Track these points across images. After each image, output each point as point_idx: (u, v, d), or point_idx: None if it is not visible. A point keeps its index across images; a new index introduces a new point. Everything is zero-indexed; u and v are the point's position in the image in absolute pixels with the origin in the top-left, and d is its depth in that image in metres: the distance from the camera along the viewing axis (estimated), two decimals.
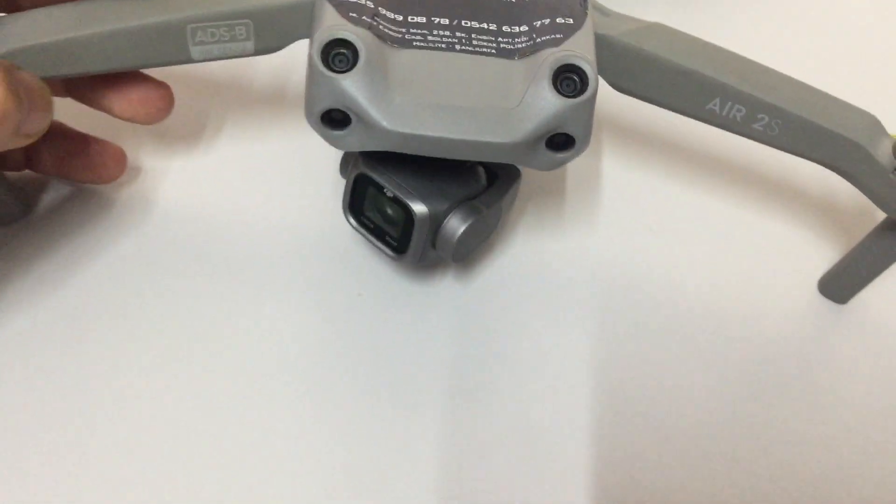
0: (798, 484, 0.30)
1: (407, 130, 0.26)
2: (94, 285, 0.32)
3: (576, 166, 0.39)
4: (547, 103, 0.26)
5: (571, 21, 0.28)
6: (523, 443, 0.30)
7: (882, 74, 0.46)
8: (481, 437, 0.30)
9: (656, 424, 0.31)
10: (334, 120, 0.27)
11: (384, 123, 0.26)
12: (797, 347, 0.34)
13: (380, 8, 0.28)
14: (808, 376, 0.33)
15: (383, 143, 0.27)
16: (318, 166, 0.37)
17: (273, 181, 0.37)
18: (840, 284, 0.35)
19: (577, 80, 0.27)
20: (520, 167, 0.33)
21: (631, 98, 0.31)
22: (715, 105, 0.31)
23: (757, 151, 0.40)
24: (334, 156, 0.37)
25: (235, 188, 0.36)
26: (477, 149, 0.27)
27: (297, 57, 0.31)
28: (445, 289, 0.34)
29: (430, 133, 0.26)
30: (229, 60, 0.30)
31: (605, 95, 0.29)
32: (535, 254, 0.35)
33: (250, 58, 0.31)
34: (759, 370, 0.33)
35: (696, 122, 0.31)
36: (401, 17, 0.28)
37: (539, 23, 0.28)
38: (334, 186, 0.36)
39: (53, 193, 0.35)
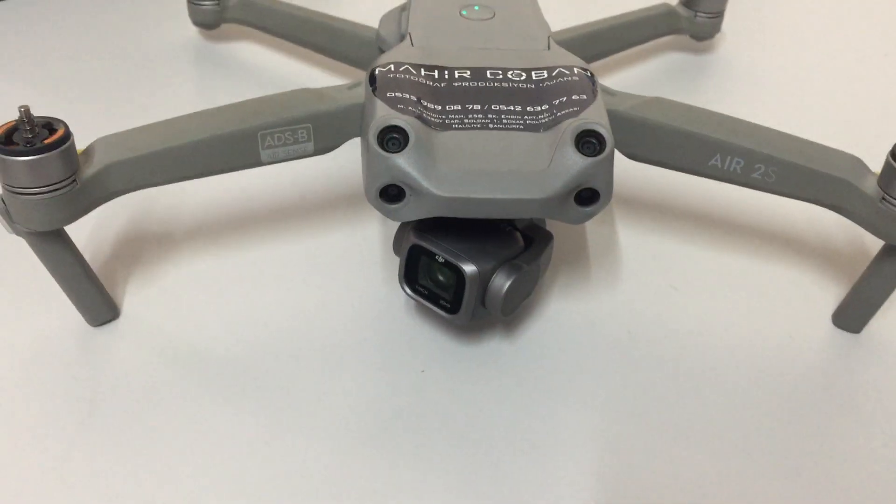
0: None
1: (455, 195, 0.31)
2: (181, 378, 0.36)
3: (594, 236, 0.43)
4: (572, 163, 0.31)
5: (585, 97, 0.33)
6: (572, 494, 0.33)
7: (858, 123, 0.52)
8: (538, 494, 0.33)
9: (690, 463, 0.34)
10: (390, 195, 0.32)
11: (434, 191, 0.31)
12: (821, 378, 0.37)
13: (421, 100, 0.33)
14: (834, 403, 0.36)
15: (434, 209, 0.31)
16: (367, 258, 0.41)
17: (328, 273, 0.41)
18: (852, 314, 0.38)
19: (596, 142, 0.31)
20: (552, 233, 0.37)
21: (635, 174, 0.36)
22: (716, 160, 0.35)
23: (757, 208, 0.44)
24: (380, 248, 0.42)
25: (293, 284, 0.40)
26: (516, 206, 0.31)
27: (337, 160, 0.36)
28: (494, 349, 0.37)
29: (474, 195, 0.31)
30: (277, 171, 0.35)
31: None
32: (570, 315, 0.39)
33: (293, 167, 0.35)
34: (788, 405, 0.36)
35: (698, 190, 0.36)
36: (439, 107, 0.33)
37: (558, 101, 0.33)
38: (384, 272, 0.41)
39: (141, 297, 0.39)
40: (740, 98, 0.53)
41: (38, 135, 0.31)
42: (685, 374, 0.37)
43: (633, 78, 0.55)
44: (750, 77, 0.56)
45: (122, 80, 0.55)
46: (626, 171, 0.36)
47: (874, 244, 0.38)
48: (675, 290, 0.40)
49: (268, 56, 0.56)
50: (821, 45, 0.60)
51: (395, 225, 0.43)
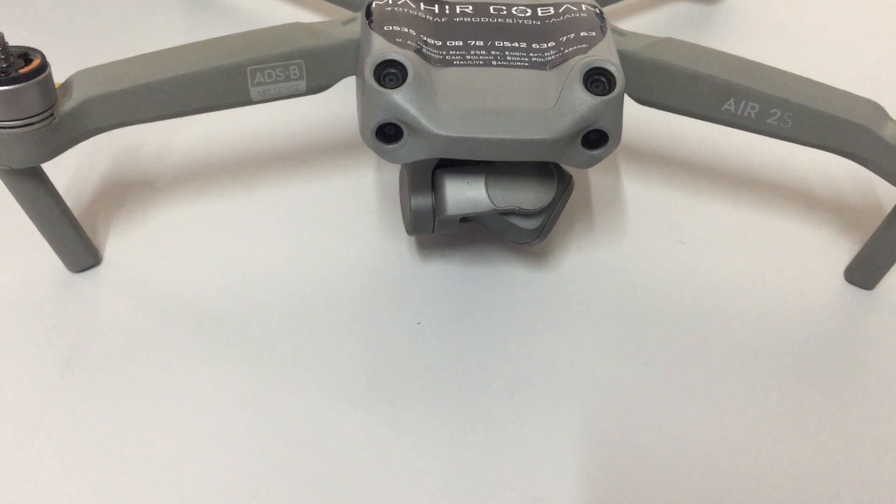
0: (841, 472, 0.31)
1: (455, 134, 0.29)
2: (166, 327, 0.34)
3: (598, 187, 0.41)
4: (580, 102, 0.29)
5: (594, 34, 0.31)
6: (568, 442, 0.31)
7: (875, 73, 0.50)
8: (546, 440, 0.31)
9: (695, 419, 0.32)
10: (387, 134, 0.30)
11: (434, 129, 0.29)
12: (833, 335, 0.35)
13: (421, 35, 0.31)
14: (846, 360, 0.34)
15: (433, 149, 0.29)
16: (361, 206, 0.40)
17: (320, 222, 0.39)
18: (866, 270, 0.37)
19: (605, 80, 0.30)
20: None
21: (641, 123, 0.34)
22: (730, 105, 0.33)
23: (767, 161, 0.43)
24: (374, 196, 0.40)
25: (284, 233, 0.39)
26: (521, 147, 0.29)
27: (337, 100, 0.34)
28: (492, 301, 0.36)
29: (476, 135, 0.29)
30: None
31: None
32: (573, 267, 0.37)
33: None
34: (799, 363, 0.34)
35: (707, 141, 0.34)
36: (440, 42, 0.31)
37: (565, 38, 0.31)
38: (379, 221, 0.39)
39: (124, 243, 0.37)
40: (752, 49, 0.51)
41: (12, 64, 0.29)
42: (692, 329, 0.35)
43: (640, 28, 0.53)
44: (762, 27, 0.54)
45: (107, 18, 0.52)
46: (632, 119, 0.34)
47: (888, 199, 0.36)
48: (683, 244, 0.39)
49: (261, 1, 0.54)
50: None
51: (392, 172, 0.41)
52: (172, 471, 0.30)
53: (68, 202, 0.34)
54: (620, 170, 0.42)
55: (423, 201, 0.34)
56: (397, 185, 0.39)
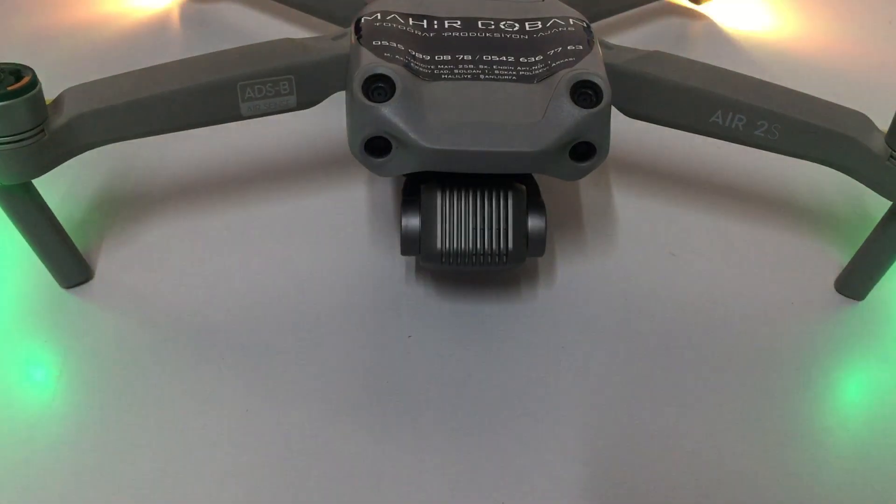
0: (834, 483, 0.31)
1: (443, 147, 0.29)
2: (157, 342, 0.34)
3: (588, 200, 0.41)
4: (567, 115, 0.29)
5: (581, 47, 0.32)
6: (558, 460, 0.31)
7: (862, 80, 0.51)
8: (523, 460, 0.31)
9: (686, 431, 0.32)
10: (376, 149, 0.30)
11: (422, 142, 0.29)
12: (823, 345, 0.35)
13: (410, 50, 0.31)
14: (837, 371, 0.35)
15: (422, 162, 0.30)
16: (352, 220, 0.40)
17: (311, 236, 0.39)
18: (856, 281, 0.37)
19: (592, 93, 0.30)
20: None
21: (630, 136, 0.34)
22: (717, 117, 0.34)
23: (757, 173, 0.43)
24: (365, 211, 0.40)
25: (275, 248, 0.39)
26: (508, 159, 0.29)
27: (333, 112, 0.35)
28: (483, 314, 0.36)
29: (464, 147, 0.29)
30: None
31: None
32: (563, 280, 0.38)
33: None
34: (790, 373, 0.34)
35: (697, 154, 0.34)
36: (428, 57, 0.32)
37: (552, 51, 0.32)
38: (369, 235, 0.39)
39: (116, 258, 0.37)
40: (739, 62, 0.51)
41: (3, 81, 0.30)
42: (683, 341, 0.35)
43: (628, 43, 0.53)
44: (748, 41, 0.54)
45: (99, 36, 0.53)
46: (621, 132, 0.34)
47: (877, 209, 0.37)
48: (674, 256, 0.39)
49: (253, 17, 0.55)
50: (824, 9, 0.59)
51: (384, 187, 0.41)
52: (165, 487, 0.29)
53: (60, 217, 0.35)
54: (611, 182, 0.43)
55: (412, 222, 0.32)
56: (388, 199, 0.39)
